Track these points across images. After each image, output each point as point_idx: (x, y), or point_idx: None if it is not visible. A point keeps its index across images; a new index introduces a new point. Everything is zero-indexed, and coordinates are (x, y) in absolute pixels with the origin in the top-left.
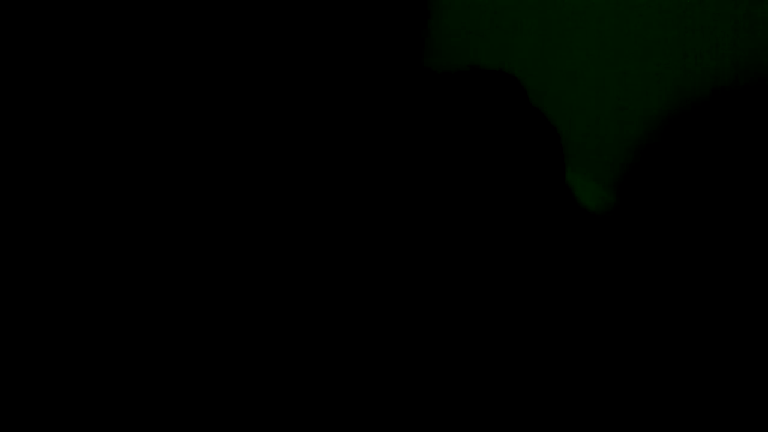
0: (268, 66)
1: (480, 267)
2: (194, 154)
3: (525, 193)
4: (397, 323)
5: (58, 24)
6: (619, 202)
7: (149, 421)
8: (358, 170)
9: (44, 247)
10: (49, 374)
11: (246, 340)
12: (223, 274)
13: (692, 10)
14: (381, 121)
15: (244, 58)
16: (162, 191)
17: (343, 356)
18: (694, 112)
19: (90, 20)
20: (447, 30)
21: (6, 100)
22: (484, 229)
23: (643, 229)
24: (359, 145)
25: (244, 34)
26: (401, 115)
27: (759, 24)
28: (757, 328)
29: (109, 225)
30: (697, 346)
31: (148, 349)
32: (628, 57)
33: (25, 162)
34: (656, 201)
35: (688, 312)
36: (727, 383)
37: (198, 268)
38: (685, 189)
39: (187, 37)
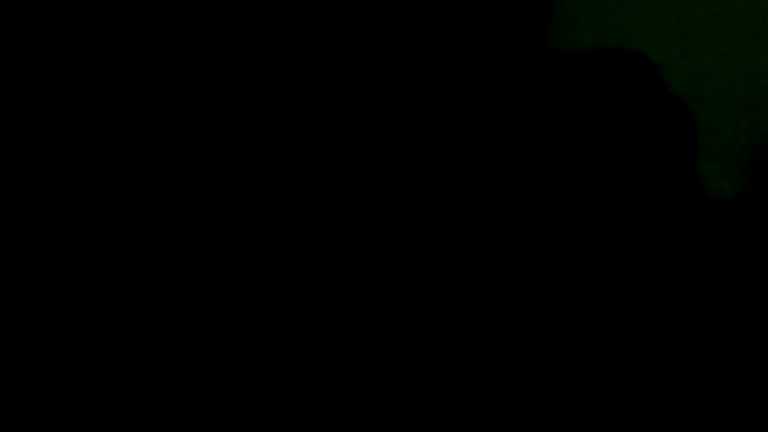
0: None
1: (608, 247)
2: (211, 153)
3: (655, 175)
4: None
5: (58, 24)
6: (749, 189)
7: (149, 421)
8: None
9: (45, 248)
10: (49, 374)
11: (246, 340)
12: (224, 274)
13: None
14: (506, 102)
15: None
16: (164, 191)
17: (344, 356)
18: None
19: (90, 20)
20: (574, 8)
21: (6, 100)
22: (611, 211)
23: None
24: (475, 127)
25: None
26: (528, 95)
27: None
28: None
29: (109, 225)
30: None
31: (149, 348)
32: (765, 38)
33: (26, 162)
34: None
35: None
36: None
37: (199, 268)
38: None
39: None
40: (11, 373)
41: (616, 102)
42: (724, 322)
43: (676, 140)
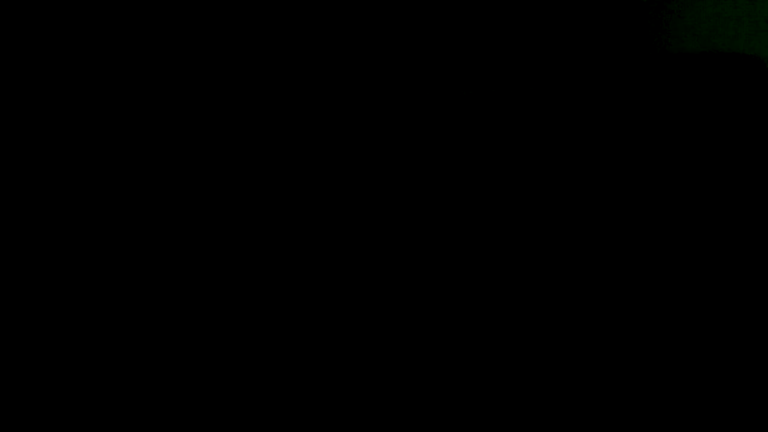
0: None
1: (704, 255)
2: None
3: (758, 183)
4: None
5: (58, 24)
6: None
7: (149, 421)
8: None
9: (44, 248)
10: (49, 374)
11: (246, 340)
12: (224, 274)
13: None
14: (608, 105)
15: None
16: (163, 191)
17: (344, 356)
18: None
19: (90, 20)
20: (686, 8)
21: (6, 100)
22: (708, 218)
23: None
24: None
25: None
26: (633, 98)
27: None
28: None
29: (109, 225)
30: None
31: (148, 348)
32: None
33: (26, 162)
34: None
35: None
36: None
37: (198, 268)
38: None
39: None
40: (11, 373)
41: (723, 106)
42: None
43: None
